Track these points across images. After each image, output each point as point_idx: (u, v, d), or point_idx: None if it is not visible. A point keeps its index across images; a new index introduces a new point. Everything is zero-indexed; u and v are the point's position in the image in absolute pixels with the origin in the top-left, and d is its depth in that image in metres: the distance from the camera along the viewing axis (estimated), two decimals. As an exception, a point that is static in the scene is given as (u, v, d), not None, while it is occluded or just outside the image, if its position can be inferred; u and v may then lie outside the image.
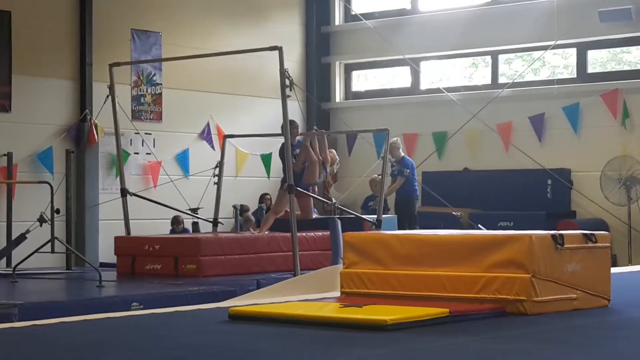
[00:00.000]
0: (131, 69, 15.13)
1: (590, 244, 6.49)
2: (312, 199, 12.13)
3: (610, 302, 6.56)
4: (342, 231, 10.47)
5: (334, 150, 13.15)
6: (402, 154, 14.83)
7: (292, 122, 11.55)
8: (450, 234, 6.72)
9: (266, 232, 11.64)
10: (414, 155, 15.97)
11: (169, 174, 14.50)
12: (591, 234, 6.54)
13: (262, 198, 15.85)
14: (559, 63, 16.68)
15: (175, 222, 14.40)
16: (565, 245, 6.28)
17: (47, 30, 14.37)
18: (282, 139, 11.48)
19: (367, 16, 17.49)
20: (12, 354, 4.85)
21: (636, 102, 15.28)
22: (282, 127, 11.40)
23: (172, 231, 14.38)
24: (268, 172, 16.51)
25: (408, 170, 14.54)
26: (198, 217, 13.16)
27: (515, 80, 16.29)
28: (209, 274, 10.61)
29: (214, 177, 12.96)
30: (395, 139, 14.86)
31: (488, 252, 6.24)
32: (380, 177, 13.11)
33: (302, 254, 10.89)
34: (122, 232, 11.96)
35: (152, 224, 14.21)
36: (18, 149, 13.87)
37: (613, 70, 16.06)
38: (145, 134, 15.08)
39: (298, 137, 12.09)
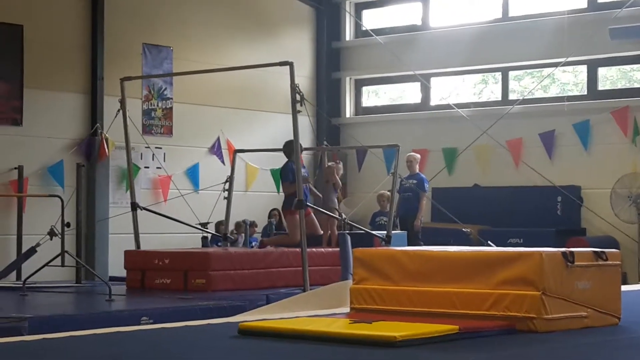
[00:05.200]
0: (142, 83, 15.17)
1: (600, 262, 6.47)
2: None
3: (620, 320, 6.53)
4: (352, 247, 10.47)
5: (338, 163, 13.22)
6: (417, 169, 14.89)
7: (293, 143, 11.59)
8: (460, 251, 6.70)
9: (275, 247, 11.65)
10: (424, 171, 15.96)
11: (179, 188, 14.51)
12: (602, 251, 6.52)
13: (271, 213, 15.83)
14: (569, 80, 16.67)
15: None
16: (576, 263, 6.26)
17: (58, 44, 14.42)
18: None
19: (378, 32, 17.51)
20: (22, 367, 4.86)
21: (647, 120, 15.27)
22: (284, 145, 11.53)
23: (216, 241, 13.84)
24: (278, 187, 16.49)
25: (427, 185, 14.60)
26: (208, 232, 13.16)
27: (525, 97, 16.28)
28: (219, 289, 10.60)
29: (224, 191, 12.96)
30: (412, 153, 14.92)
31: (498, 269, 6.23)
32: (389, 192, 13.12)
33: (312, 270, 10.86)
34: (132, 246, 11.97)
35: (162, 238, 14.21)
36: (29, 162, 13.90)
37: (623, 87, 16.05)
38: (156, 148, 15.09)
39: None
